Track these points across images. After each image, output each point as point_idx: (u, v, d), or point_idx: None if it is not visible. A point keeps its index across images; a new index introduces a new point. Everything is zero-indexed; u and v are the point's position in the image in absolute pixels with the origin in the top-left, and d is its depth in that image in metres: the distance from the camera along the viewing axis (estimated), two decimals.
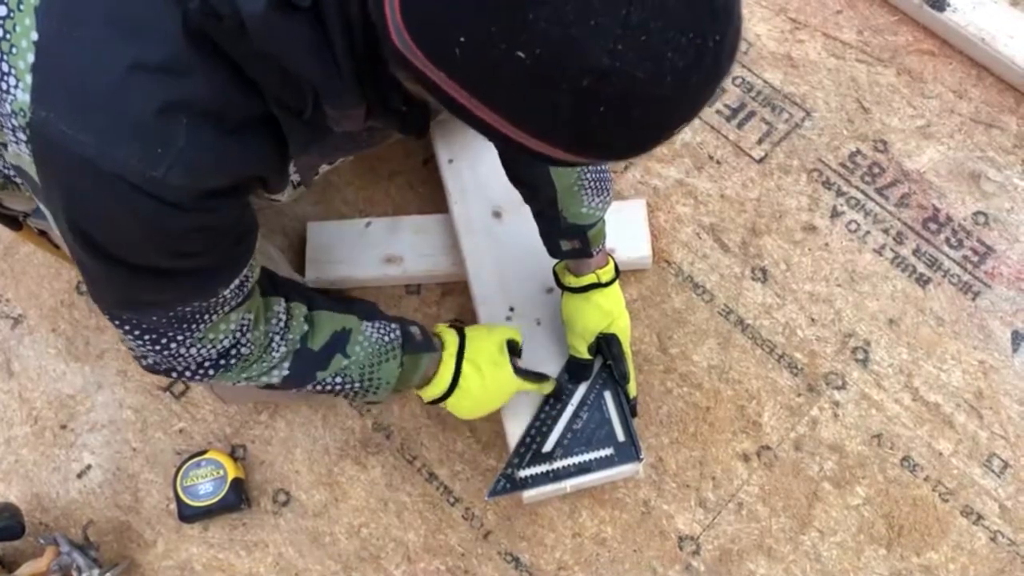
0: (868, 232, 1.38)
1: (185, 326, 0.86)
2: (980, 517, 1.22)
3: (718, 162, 1.43)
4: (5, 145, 0.73)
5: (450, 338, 1.11)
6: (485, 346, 1.11)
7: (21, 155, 0.71)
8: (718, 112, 1.46)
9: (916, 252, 1.36)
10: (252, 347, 0.93)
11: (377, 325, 1.04)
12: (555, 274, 1.20)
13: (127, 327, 0.86)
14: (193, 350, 0.89)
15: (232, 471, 1.23)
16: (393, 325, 1.06)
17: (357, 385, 1.03)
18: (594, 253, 1.15)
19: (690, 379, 1.31)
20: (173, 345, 0.88)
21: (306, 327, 0.99)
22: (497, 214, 1.31)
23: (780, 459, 1.26)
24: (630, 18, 0.52)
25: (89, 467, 1.30)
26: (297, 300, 0.99)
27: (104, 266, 0.77)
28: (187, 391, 1.33)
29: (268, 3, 0.62)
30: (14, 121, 0.68)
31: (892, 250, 1.37)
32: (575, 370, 1.22)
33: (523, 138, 0.59)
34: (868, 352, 1.31)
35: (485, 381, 1.10)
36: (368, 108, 0.72)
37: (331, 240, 1.35)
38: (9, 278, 1.41)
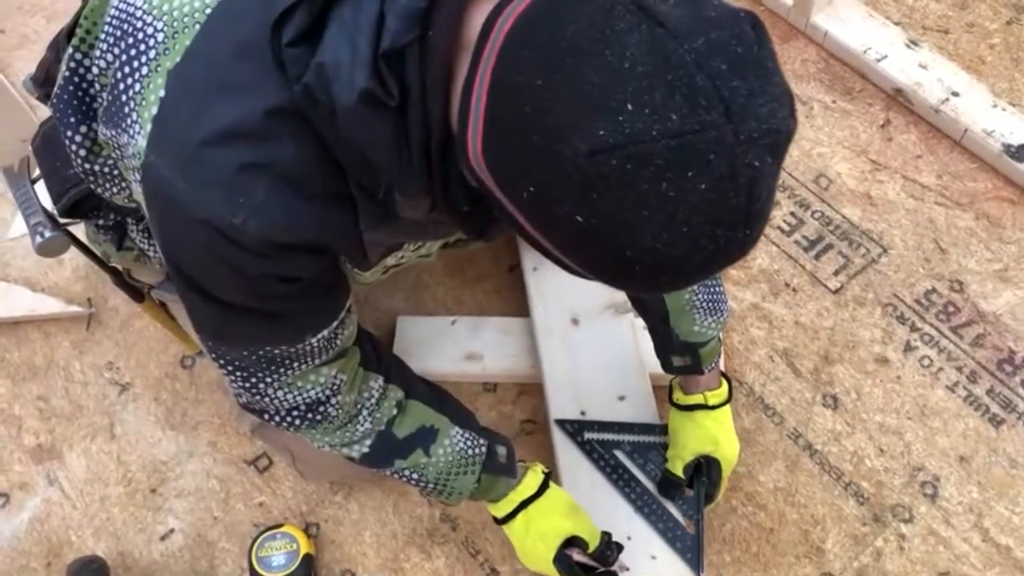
0: (941, 368, 1.39)
1: (273, 368, 0.92)
2: None
3: (794, 290, 1.48)
4: (131, 186, 0.83)
5: (531, 483, 1.13)
6: (548, 520, 1.12)
7: (138, 193, 0.81)
8: (796, 243, 1.52)
9: (990, 392, 1.37)
10: (340, 410, 0.98)
11: (466, 435, 1.07)
12: (669, 389, 1.24)
13: (222, 361, 0.93)
14: (280, 393, 0.95)
15: (304, 546, 1.29)
16: (481, 440, 1.08)
17: (431, 486, 1.07)
18: (705, 371, 1.18)
19: (755, 499, 1.32)
20: (262, 385, 0.94)
21: (395, 412, 1.03)
22: (575, 321, 1.38)
23: None
24: (678, 214, 0.59)
25: (172, 531, 1.37)
26: (396, 383, 1.04)
27: (198, 297, 0.85)
28: (270, 466, 1.40)
29: (359, 97, 0.68)
30: (134, 162, 0.78)
31: (965, 388, 1.37)
32: (664, 486, 1.24)
33: (572, 265, 0.67)
34: (937, 488, 1.30)
35: (525, 544, 1.13)
36: (434, 202, 0.78)
37: (418, 334, 1.44)
38: (122, 348, 1.53)
